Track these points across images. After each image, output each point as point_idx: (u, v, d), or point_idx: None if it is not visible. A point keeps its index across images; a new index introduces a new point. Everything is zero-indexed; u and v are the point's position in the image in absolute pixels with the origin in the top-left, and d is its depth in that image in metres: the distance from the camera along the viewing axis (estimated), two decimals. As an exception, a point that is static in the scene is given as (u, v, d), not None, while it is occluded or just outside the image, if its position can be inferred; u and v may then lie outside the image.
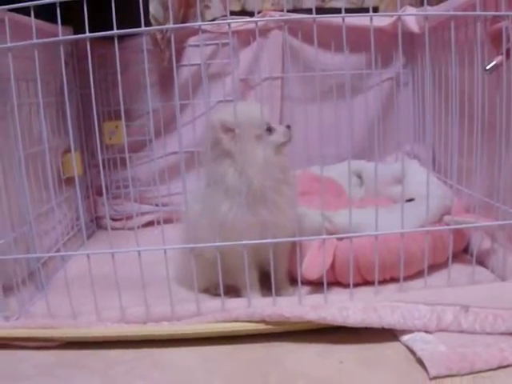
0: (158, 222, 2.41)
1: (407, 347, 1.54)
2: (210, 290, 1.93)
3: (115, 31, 1.58)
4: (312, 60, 2.81)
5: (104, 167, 2.84)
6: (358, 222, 1.80)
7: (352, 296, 1.71)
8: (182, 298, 1.79)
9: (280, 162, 1.80)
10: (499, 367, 1.41)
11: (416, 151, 2.96)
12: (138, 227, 2.64)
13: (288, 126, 1.82)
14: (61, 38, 1.63)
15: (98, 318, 1.71)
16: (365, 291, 1.82)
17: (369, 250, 1.81)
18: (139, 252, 1.66)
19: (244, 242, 1.67)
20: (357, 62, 2.86)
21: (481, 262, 1.99)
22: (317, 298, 1.73)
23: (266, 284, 1.83)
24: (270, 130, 1.79)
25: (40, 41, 1.62)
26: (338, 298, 1.74)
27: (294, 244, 1.74)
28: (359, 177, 2.79)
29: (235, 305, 1.73)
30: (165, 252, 1.67)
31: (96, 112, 1.63)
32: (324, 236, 1.74)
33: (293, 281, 1.90)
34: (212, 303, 1.76)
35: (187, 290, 1.90)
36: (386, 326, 1.57)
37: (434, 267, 1.96)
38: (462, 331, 1.56)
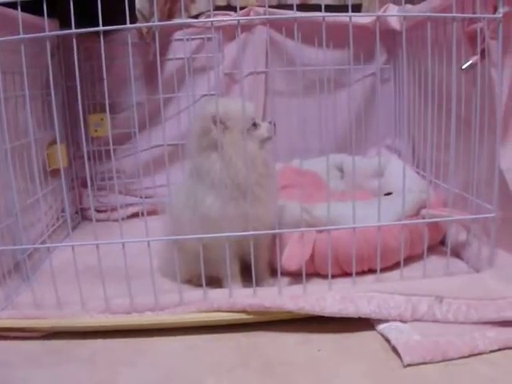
0: (143, 214, 2.43)
1: (383, 336, 1.60)
2: (193, 281, 1.96)
3: (101, 28, 1.62)
4: (295, 55, 2.82)
5: (89, 159, 2.86)
6: (337, 215, 1.86)
7: (330, 287, 1.76)
8: (165, 289, 1.83)
9: (263, 157, 1.84)
10: (470, 355, 1.48)
11: (397, 145, 3.02)
12: (123, 219, 2.67)
13: (271, 122, 1.86)
14: (47, 33, 1.66)
15: (83, 309, 1.75)
16: (343, 282, 1.87)
17: (347, 242, 1.85)
18: (123, 244, 1.70)
19: (226, 234, 1.71)
20: (340, 57, 2.90)
21: (457, 254, 2.05)
22: (296, 289, 1.78)
23: (247, 275, 1.86)
24: (255, 125, 1.83)
25: (27, 36, 1.65)
26: (317, 288, 1.78)
27: (274, 236, 1.79)
28: (340, 170, 2.84)
29: (217, 295, 1.77)
30: (148, 244, 1.71)
31: (81, 104, 1.66)
32: (303, 228, 1.78)
33: (273, 272, 1.93)
34: (194, 294, 1.80)
35: (171, 280, 1.94)
36: (362, 316, 1.63)
37: (411, 259, 2.02)
38: (436, 321, 1.62)
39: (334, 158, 2.81)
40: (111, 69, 2.63)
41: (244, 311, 1.67)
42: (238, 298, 1.71)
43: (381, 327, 1.62)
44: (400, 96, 2.97)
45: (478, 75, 1.80)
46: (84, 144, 1.80)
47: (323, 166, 2.59)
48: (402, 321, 1.63)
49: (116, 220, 2.57)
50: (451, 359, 1.46)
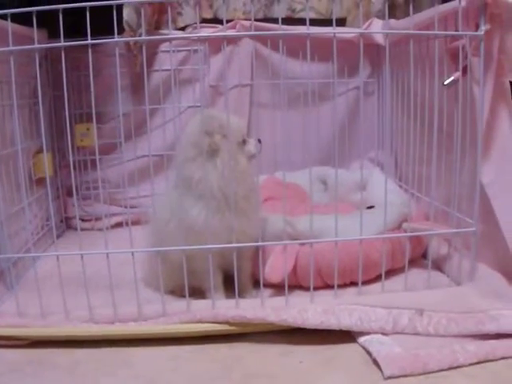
0: (127, 224, 2.44)
1: (364, 348, 1.60)
2: (176, 292, 1.96)
3: (89, 41, 1.62)
4: (280, 68, 2.84)
5: (74, 168, 2.80)
6: (319, 228, 1.87)
7: (312, 299, 1.76)
8: (148, 299, 1.83)
9: (251, 171, 1.86)
10: (450, 368, 1.48)
11: (380, 158, 3.02)
12: (107, 228, 2.66)
13: (259, 140, 1.88)
14: (36, 45, 1.66)
15: (66, 318, 1.74)
16: (325, 294, 1.88)
17: (329, 255, 1.86)
18: (107, 254, 1.70)
19: (209, 246, 1.71)
20: (324, 70, 2.90)
21: (438, 267, 2.06)
22: (278, 301, 1.77)
23: (230, 287, 1.87)
24: (244, 141, 1.85)
25: (17, 48, 1.66)
26: (299, 300, 1.78)
27: (257, 248, 1.78)
28: (324, 183, 2.84)
29: (200, 306, 1.77)
30: (132, 254, 1.71)
31: (68, 114, 1.65)
32: (286, 241, 1.79)
33: (256, 284, 1.94)
34: (177, 304, 1.80)
35: (154, 291, 1.94)
36: (343, 328, 1.62)
37: (393, 272, 2.03)
38: (416, 333, 1.62)
39: (318, 170, 2.81)
40: (98, 79, 2.55)
41: (226, 322, 1.67)
42: (221, 309, 1.70)
43: (362, 340, 1.62)
44: (383, 110, 2.99)
45: (460, 91, 1.82)
46: (70, 153, 1.78)
47: (306, 178, 2.57)
48: (383, 333, 1.62)
49: (100, 229, 2.64)
50: (431, 372, 1.46)
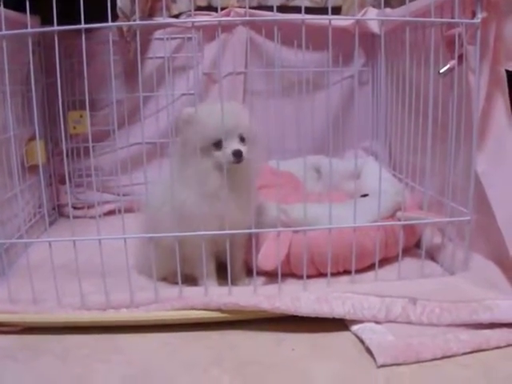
0: (120, 211, 2.43)
1: (357, 336, 1.59)
2: (169, 279, 1.95)
3: (82, 25, 1.60)
4: (275, 56, 2.81)
5: (67, 156, 2.83)
6: (313, 216, 1.85)
7: (305, 287, 1.75)
8: (141, 286, 1.82)
9: (217, 175, 1.79)
10: (444, 357, 1.47)
11: (374, 148, 3.02)
12: (100, 216, 2.59)
13: (237, 153, 1.76)
14: (29, 30, 1.64)
15: (58, 305, 1.73)
16: (318, 282, 1.87)
17: (323, 243, 1.85)
18: (100, 240, 1.69)
19: (201, 233, 1.70)
20: (319, 59, 2.89)
21: (431, 257, 2.06)
22: (271, 289, 1.77)
23: (222, 274, 1.85)
24: (218, 145, 1.77)
25: (9, 32, 1.64)
26: (292, 288, 1.78)
27: (250, 236, 1.77)
28: (317, 171, 2.83)
29: (192, 293, 1.76)
30: (125, 241, 1.69)
31: (61, 101, 1.64)
32: (279, 228, 1.77)
33: (249, 272, 1.93)
34: (170, 291, 1.79)
35: (146, 278, 1.93)
36: (336, 316, 1.62)
37: (386, 261, 2.02)
38: (409, 322, 1.62)
39: (311, 159, 2.79)
40: (91, 66, 2.53)
41: (219, 310, 1.66)
42: (213, 296, 1.70)
43: (355, 328, 1.62)
44: (378, 99, 2.98)
45: (456, 80, 1.81)
46: (63, 140, 1.77)
47: (300, 167, 2.56)
48: (376, 322, 1.62)
49: (93, 217, 2.58)
50: (424, 361, 1.46)
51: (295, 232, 1.89)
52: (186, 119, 1.77)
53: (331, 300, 1.64)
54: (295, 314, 1.62)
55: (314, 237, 1.87)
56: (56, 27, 1.61)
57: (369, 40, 2.94)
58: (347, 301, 1.64)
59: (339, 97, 3.04)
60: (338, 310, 1.62)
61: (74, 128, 2.85)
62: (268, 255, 1.81)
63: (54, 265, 1.69)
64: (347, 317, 1.63)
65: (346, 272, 1.94)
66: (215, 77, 2.95)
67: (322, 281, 1.88)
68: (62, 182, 2.89)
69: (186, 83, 2.93)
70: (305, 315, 1.62)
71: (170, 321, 1.68)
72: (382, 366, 1.44)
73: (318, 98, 2.90)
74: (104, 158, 2.94)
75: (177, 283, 1.77)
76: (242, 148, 1.76)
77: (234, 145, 1.75)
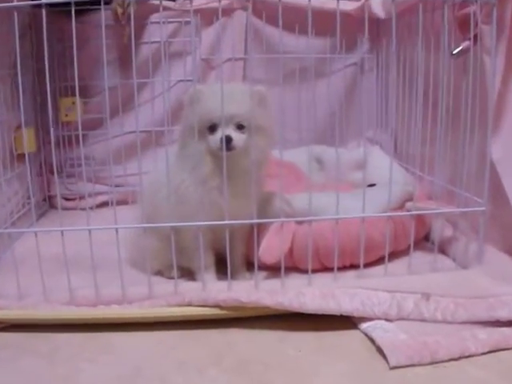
0: (113, 203, 2.38)
1: (366, 335, 1.50)
2: (164, 273, 1.88)
3: (72, -1, 1.50)
4: (275, 42, 2.75)
5: (59, 145, 2.78)
6: (318, 206, 1.75)
7: (310, 282, 1.66)
8: (134, 281, 1.71)
9: (211, 161, 1.71)
10: (461, 357, 1.38)
11: (378, 137, 2.94)
12: (92, 208, 2.63)
13: (226, 140, 1.65)
14: (15, 3, 1.56)
15: (45, 300, 1.63)
16: (323, 277, 1.76)
17: (329, 235, 1.77)
18: (90, 231, 1.59)
19: (199, 223, 1.62)
20: (321, 45, 2.82)
21: (442, 250, 1.95)
22: (274, 283, 1.68)
23: (221, 269, 1.77)
24: (213, 128, 1.69)
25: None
26: (296, 283, 1.68)
27: (251, 227, 1.69)
28: (319, 162, 2.72)
29: (189, 288, 1.67)
30: (116, 231, 1.60)
31: (53, 87, 1.55)
32: (282, 219, 1.68)
33: (249, 265, 1.85)
34: (165, 286, 1.70)
35: (140, 272, 1.84)
36: (344, 314, 1.53)
37: (395, 254, 1.92)
38: (423, 320, 1.53)
39: (313, 149, 2.70)
40: (84, 51, 2.59)
41: (217, 306, 1.57)
42: (212, 291, 1.60)
43: (364, 326, 1.52)
44: (382, 87, 2.91)
45: (471, 61, 1.71)
46: (52, 128, 1.72)
47: (302, 157, 2.54)
48: (386, 319, 1.53)
49: (84, 209, 2.49)
50: (441, 361, 1.36)
51: (299, 223, 1.80)
52: (191, 97, 1.69)
53: (338, 296, 1.54)
54: (300, 310, 1.53)
55: (319, 228, 1.78)
56: (44, 0, 1.54)
57: (373, 25, 2.86)
58: (355, 297, 1.55)
59: (342, 85, 2.97)
60: (345, 306, 1.53)
61: (66, 115, 2.76)
62: (270, 248, 1.72)
63: (40, 257, 1.60)
64: (355, 314, 1.53)
65: (353, 266, 1.85)
66: (213, 63, 2.88)
67: (327, 275, 1.77)
68: (53, 171, 2.75)
69: (183, 69, 2.84)
70: (310, 312, 1.52)
71: (165, 318, 1.59)
72: (396, 367, 1.34)
73: (320, 85, 2.72)
74: (97, 147, 2.85)
75: (172, 278, 1.69)
76: (236, 136, 1.67)
77: (226, 131, 1.65)
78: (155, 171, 1.86)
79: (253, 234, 1.67)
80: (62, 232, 1.58)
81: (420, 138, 1.95)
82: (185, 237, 1.71)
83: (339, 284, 1.63)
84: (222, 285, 1.67)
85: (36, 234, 1.60)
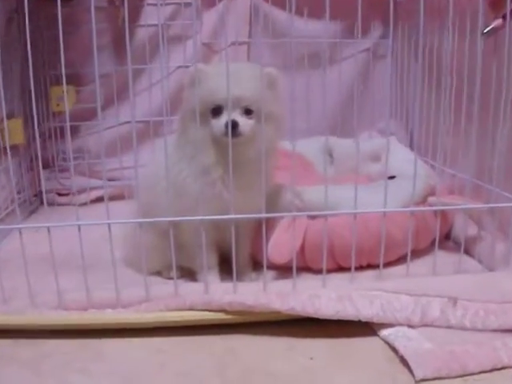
0: (109, 197, 2.28)
1: (387, 343, 1.42)
2: (163, 273, 1.82)
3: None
4: (282, 25, 2.71)
5: (50, 137, 2.72)
6: (332, 200, 1.64)
7: (325, 283, 1.56)
8: (129, 282, 1.62)
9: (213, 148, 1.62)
10: (494, 369, 1.29)
11: (391, 129, 2.84)
12: (86, 203, 2.57)
13: (232, 124, 1.54)
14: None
15: (32, 303, 1.55)
16: (338, 278, 1.67)
17: (345, 231, 1.69)
18: (79, 226, 1.49)
19: (200, 218, 1.52)
20: (332, 29, 2.75)
21: (465, 250, 1.82)
22: (284, 285, 1.58)
23: (225, 269, 1.71)
24: (217, 112, 1.58)
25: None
26: (308, 284, 1.59)
27: (257, 223, 1.61)
28: (330, 154, 2.65)
29: (190, 290, 1.58)
30: (109, 227, 1.49)
31: (43, 75, 1.45)
32: (294, 213, 1.58)
33: (256, 265, 1.79)
34: (164, 288, 1.60)
35: (136, 272, 1.75)
36: (363, 319, 1.44)
37: (415, 253, 1.80)
38: (449, 327, 1.44)
39: (323, 140, 2.60)
40: (76, 36, 2.52)
41: (222, 310, 1.48)
42: (216, 294, 1.51)
43: (385, 333, 1.43)
44: (397, 74, 2.83)
45: (506, 43, 1.63)
46: (35, 118, 1.64)
47: (311, 148, 2.49)
48: (409, 326, 1.44)
49: (79, 204, 2.43)
50: (471, 374, 1.27)
51: (311, 218, 1.72)
52: (192, 77, 1.58)
53: (356, 299, 1.45)
54: (313, 316, 1.43)
55: (334, 224, 1.68)
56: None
57: (387, 8, 2.73)
58: (375, 300, 1.45)
59: (354, 72, 2.87)
60: (364, 311, 1.43)
61: (58, 105, 2.67)
62: (279, 246, 1.64)
63: (25, 256, 1.50)
64: (375, 320, 1.44)
65: (370, 266, 1.77)
66: (216, 47, 2.82)
67: (342, 276, 1.69)
68: (45, 165, 2.73)
69: (183, 54, 2.76)
70: (325, 317, 1.43)
71: (164, 323, 1.50)
72: (422, 380, 1.25)
73: (331, 72, 2.73)
74: (91, 138, 2.79)
75: (172, 278, 1.60)
76: (243, 121, 1.57)
77: (232, 115, 1.54)
78: (152, 163, 1.77)
79: (259, 231, 1.58)
80: (48, 228, 1.48)
81: (440, 128, 1.88)
82: (185, 232, 1.63)
83: (357, 286, 1.53)
84: (227, 286, 1.57)
85: (20, 232, 1.50)
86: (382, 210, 1.58)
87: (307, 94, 2.68)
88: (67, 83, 2.47)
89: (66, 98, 1.64)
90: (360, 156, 2.33)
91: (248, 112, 1.58)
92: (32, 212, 2.61)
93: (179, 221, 1.56)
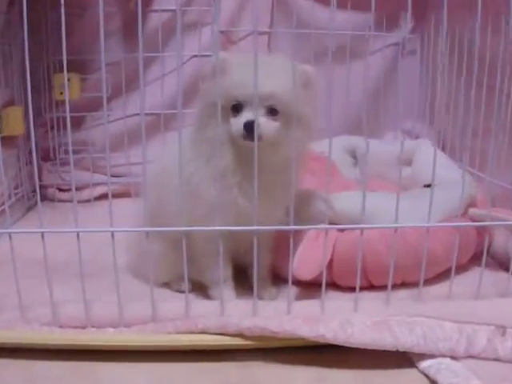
0: (114, 195, 2.15)
1: (427, 376, 1.25)
2: (172, 285, 1.64)
3: None
4: (306, 15, 2.59)
5: (52, 128, 2.60)
6: (368, 210, 1.47)
7: (357, 306, 1.39)
8: (135, 294, 1.46)
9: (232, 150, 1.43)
10: (556, 415, 1.14)
11: (418, 130, 2.78)
12: (89, 200, 2.51)
13: (247, 124, 1.37)
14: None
15: (21, 318, 1.38)
16: (371, 298, 1.49)
17: (380, 246, 1.52)
18: (78, 234, 1.31)
19: (216, 228, 1.33)
20: (358, 21, 2.60)
21: (506, 268, 1.67)
22: (310, 306, 1.41)
23: (240, 282, 1.56)
24: (237, 109, 1.40)
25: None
26: (338, 306, 1.42)
27: (278, 234, 1.49)
28: (353, 156, 2.54)
29: (203, 309, 1.40)
30: (112, 235, 1.32)
31: (46, 62, 1.31)
32: (326, 225, 1.39)
33: (275, 278, 1.63)
34: (173, 306, 1.41)
35: (143, 282, 1.57)
36: (401, 349, 1.26)
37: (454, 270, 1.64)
38: (497, 359, 1.27)
39: (346, 140, 2.52)
40: (83, 20, 2.43)
41: (240, 335, 1.30)
42: (233, 316, 1.33)
43: (424, 364, 1.26)
44: (427, 71, 2.75)
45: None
46: (30, 106, 1.46)
47: (333, 148, 2.27)
48: (452, 357, 1.26)
49: (82, 201, 2.46)
50: None
51: (340, 230, 1.56)
52: (215, 67, 1.40)
53: (394, 326, 1.28)
54: (345, 344, 1.26)
55: (368, 238, 1.51)
56: None
57: (418, 2, 2.64)
58: (416, 327, 1.28)
59: (380, 67, 2.78)
60: (403, 339, 1.26)
61: (61, 93, 2.52)
62: (307, 260, 1.46)
63: (15, 263, 1.33)
64: (416, 349, 1.27)
65: (405, 284, 1.59)
66: (234, 36, 2.68)
67: (374, 296, 1.52)
68: (45, 158, 2.65)
69: (198, 43, 2.62)
70: (359, 346, 1.26)
71: (171, 347, 1.33)
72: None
73: (356, 67, 2.62)
74: (96, 131, 2.65)
75: (181, 291, 1.49)
76: (265, 122, 1.38)
77: (252, 114, 1.36)
78: (164, 157, 1.61)
79: (281, 242, 1.49)
80: (42, 234, 1.31)
81: (477, 131, 1.75)
82: (195, 242, 1.45)
83: (393, 310, 1.36)
84: (245, 306, 1.40)
85: (10, 236, 1.33)
86: (426, 224, 1.40)
87: (329, 90, 2.52)
88: (72, 71, 2.37)
89: (66, 86, 1.47)
90: (387, 159, 2.20)
91: (273, 112, 1.39)
92: (29, 209, 2.46)
93: (195, 231, 1.39)
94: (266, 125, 1.36)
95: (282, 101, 1.37)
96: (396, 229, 1.37)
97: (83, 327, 1.36)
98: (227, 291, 1.49)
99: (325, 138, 2.32)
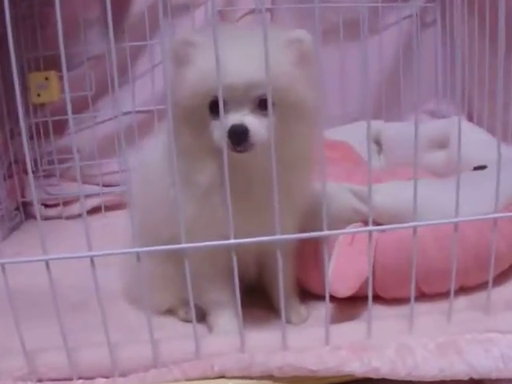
0: (106, 208, 2.13)
1: None
2: (177, 312, 1.40)
3: None
4: None
5: (32, 136, 2.39)
6: (404, 203, 1.23)
7: (412, 327, 1.11)
8: (132, 329, 1.25)
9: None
10: None
11: (443, 109, 2.62)
12: (79, 215, 2.27)
13: (235, 132, 1.08)
14: None
15: None
16: (424, 312, 1.22)
17: (431, 247, 1.28)
18: (47, 262, 1.03)
19: (228, 242, 1.04)
20: None
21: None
22: (351, 330, 1.14)
23: (257, 303, 1.36)
24: (217, 107, 1.02)
25: None
26: (385, 325, 1.14)
27: (299, 242, 1.28)
28: (377, 142, 2.34)
29: (219, 346, 1.11)
30: (91, 260, 1.04)
31: (19, 60, 1.11)
32: (370, 227, 1.09)
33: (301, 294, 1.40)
34: (180, 345, 1.12)
35: (141, 310, 1.28)
36: (476, 377, 1.01)
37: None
38: None
39: (365, 126, 2.23)
40: (62, 10, 2.11)
41: (267, 377, 1.03)
42: (258, 354, 1.05)
43: None
44: (448, 44, 2.61)
45: None
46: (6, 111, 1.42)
47: (351, 135, 2.20)
48: None
49: (70, 217, 2.34)
50: None
51: (382, 230, 1.29)
52: (176, 52, 1.13)
53: (465, 348, 1.02)
54: (406, 378, 1.00)
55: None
56: None
57: None
58: (492, 348, 1.03)
59: (397, 42, 2.62)
60: (478, 364, 1.01)
61: (39, 95, 2.32)
62: (343, 273, 1.21)
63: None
64: (494, 375, 1.01)
65: (462, 290, 1.34)
66: (231, 16, 2.51)
67: (428, 308, 1.27)
68: (26, 171, 2.34)
69: (191, 26, 2.44)
70: (426, 380, 1.00)
71: None
72: None
73: (370, 44, 2.51)
74: (82, 135, 2.44)
75: (189, 321, 1.22)
76: (254, 123, 1.09)
77: (237, 115, 1.09)
78: (144, 166, 1.40)
79: (305, 251, 1.29)
80: (2, 266, 1.02)
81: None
82: (188, 260, 1.12)
83: (458, 326, 1.11)
84: (270, 336, 1.11)
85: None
86: (493, 215, 1.13)
87: (342, 70, 2.47)
88: (49, 68, 2.14)
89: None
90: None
91: (262, 106, 1.08)
92: (13, 229, 2.28)
93: (195, 247, 1.08)
94: (259, 128, 1.08)
95: (277, 87, 1.05)
96: (456, 224, 1.10)
97: (68, 379, 1.09)
98: (224, 318, 1.28)
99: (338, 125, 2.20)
